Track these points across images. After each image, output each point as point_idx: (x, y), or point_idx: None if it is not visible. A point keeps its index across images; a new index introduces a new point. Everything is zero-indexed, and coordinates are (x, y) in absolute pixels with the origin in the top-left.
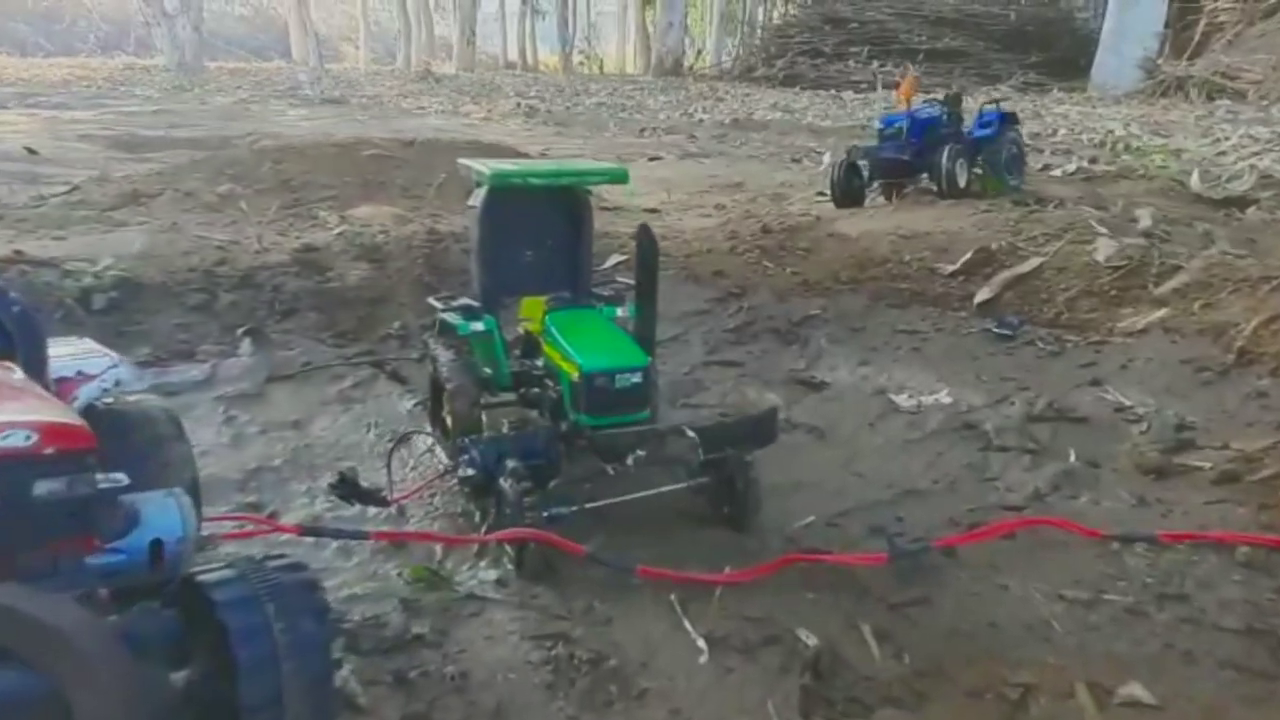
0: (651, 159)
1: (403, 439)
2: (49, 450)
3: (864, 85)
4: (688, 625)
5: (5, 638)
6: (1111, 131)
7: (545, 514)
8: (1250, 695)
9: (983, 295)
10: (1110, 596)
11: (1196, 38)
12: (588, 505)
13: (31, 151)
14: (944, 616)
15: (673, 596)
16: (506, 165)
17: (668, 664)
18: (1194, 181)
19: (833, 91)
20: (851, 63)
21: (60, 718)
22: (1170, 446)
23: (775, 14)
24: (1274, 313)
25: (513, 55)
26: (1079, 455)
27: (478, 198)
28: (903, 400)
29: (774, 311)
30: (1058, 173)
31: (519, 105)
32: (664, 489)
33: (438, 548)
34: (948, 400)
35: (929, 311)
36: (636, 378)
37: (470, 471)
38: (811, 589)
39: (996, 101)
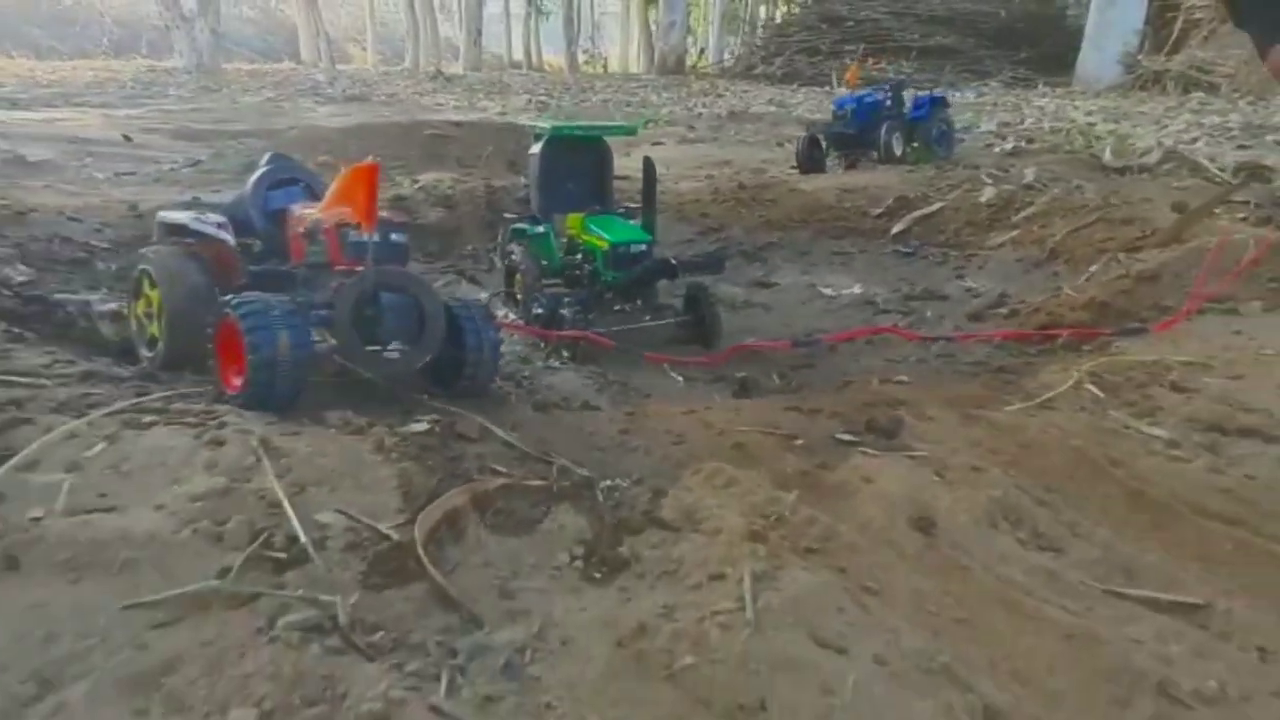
0: (654, 144)
1: (490, 299)
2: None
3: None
4: (674, 375)
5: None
6: (1074, 121)
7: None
8: (973, 390)
9: (897, 228)
10: (912, 360)
11: (1175, 34)
12: (613, 328)
13: (128, 139)
14: (820, 372)
15: (665, 367)
16: (558, 122)
17: (660, 387)
18: (1106, 155)
19: (827, 88)
20: (847, 60)
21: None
22: (989, 304)
23: (776, 13)
24: (1076, 225)
25: (518, 55)
26: (934, 312)
27: (537, 146)
28: (828, 291)
29: (743, 240)
30: (996, 150)
31: (530, 101)
32: (661, 321)
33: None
34: (859, 290)
35: (857, 240)
36: (643, 248)
37: (539, 311)
38: (745, 364)
39: (929, 88)
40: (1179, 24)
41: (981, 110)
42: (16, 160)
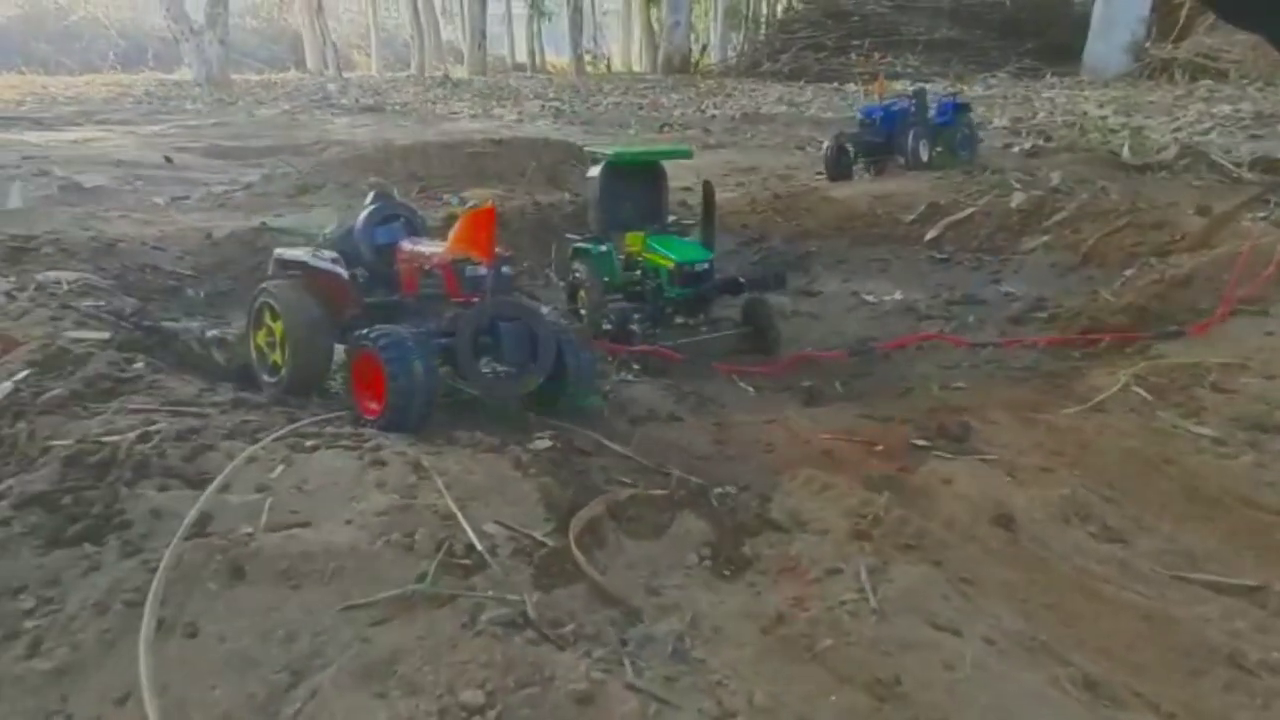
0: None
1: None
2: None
3: (865, 76)
4: (742, 385)
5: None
6: (1086, 113)
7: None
8: (1027, 394)
9: (931, 234)
10: (964, 366)
11: (1181, 21)
12: (679, 341)
13: (169, 160)
14: (879, 378)
15: (732, 377)
16: (617, 147)
17: (731, 397)
18: (1125, 152)
19: (835, 85)
20: (853, 55)
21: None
22: (1028, 309)
23: (779, 8)
24: (1107, 230)
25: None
26: (975, 317)
27: (596, 169)
28: (869, 298)
29: (784, 249)
30: (1016, 150)
31: (543, 107)
32: (722, 333)
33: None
34: (900, 296)
35: (893, 247)
36: (705, 265)
37: (608, 326)
38: (807, 372)
39: (954, 94)
40: (1185, 11)
41: (993, 104)
42: (73, 187)
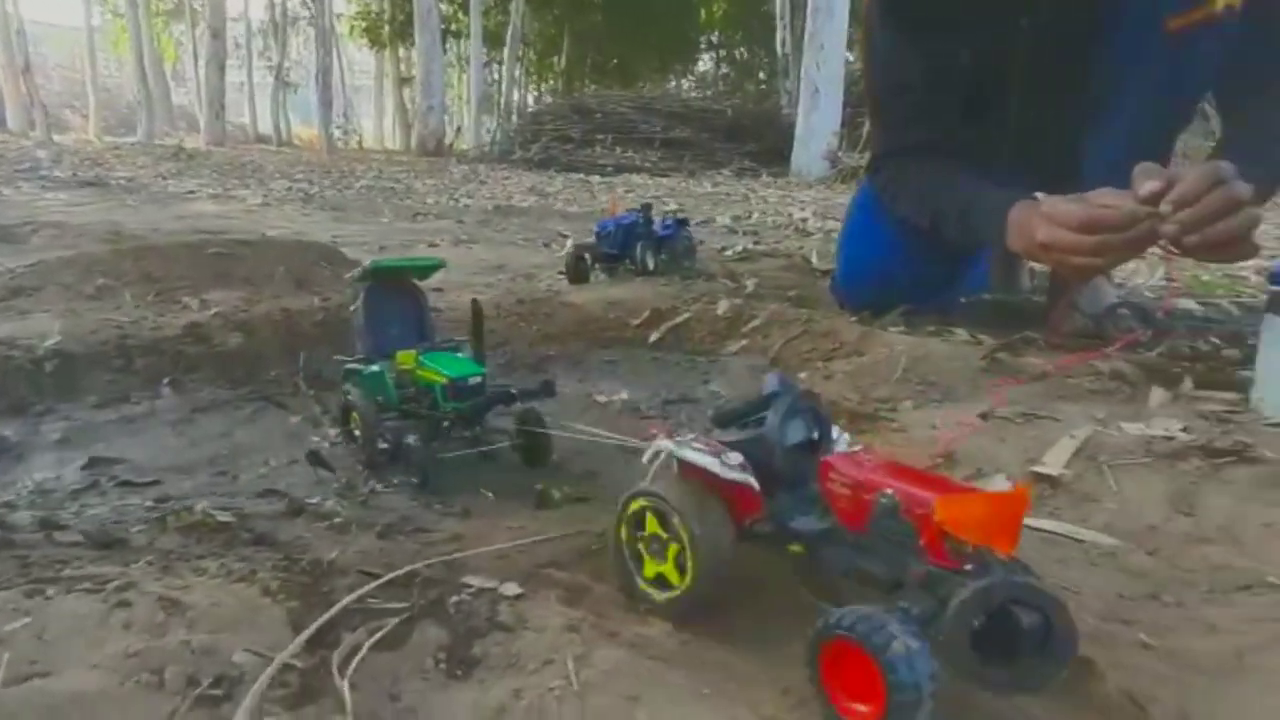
0: (431, 245)
1: (313, 454)
2: None
3: (610, 169)
4: (484, 492)
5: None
6: (791, 215)
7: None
8: None
9: (653, 336)
10: None
11: (864, 135)
12: (455, 453)
13: None
14: (610, 480)
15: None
16: (378, 260)
17: (475, 504)
18: (814, 259)
19: (582, 175)
20: (598, 149)
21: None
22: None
23: (530, 98)
24: (789, 337)
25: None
26: (686, 414)
27: (359, 296)
28: (600, 398)
29: (525, 354)
30: (729, 253)
31: (290, 188)
32: (498, 445)
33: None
34: (626, 396)
35: (623, 349)
36: (478, 379)
37: (384, 445)
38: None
39: (674, 212)
40: (866, 128)
41: (718, 201)
42: None
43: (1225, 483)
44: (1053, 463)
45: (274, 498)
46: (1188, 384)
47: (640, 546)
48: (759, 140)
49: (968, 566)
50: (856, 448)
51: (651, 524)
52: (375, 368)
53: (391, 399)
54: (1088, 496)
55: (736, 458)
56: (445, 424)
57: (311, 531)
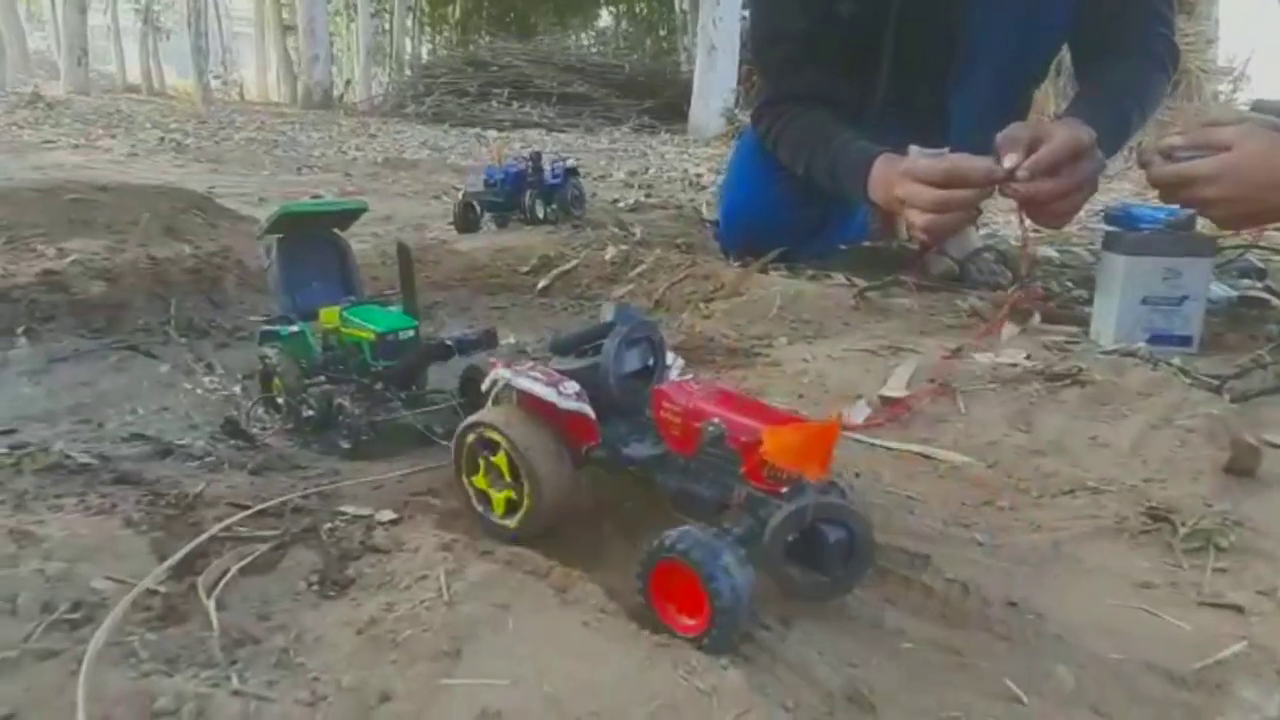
0: (314, 197)
1: (229, 422)
2: None
3: (507, 124)
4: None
5: (849, 519)
6: (687, 170)
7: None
8: None
9: (542, 283)
10: None
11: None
12: (390, 417)
13: None
14: None
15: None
16: (292, 205)
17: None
18: (703, 210)
19: (478, 130)
20: (494, 103)
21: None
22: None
23: (423, 50)
24: (675, 279)
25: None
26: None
27: (272, 248)
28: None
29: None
30: (621, 205)
31: (163, 139)
32: (438, 406)
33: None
34: (512, 340)
35: (510, 295)
36: (411, 333)
37: (311, 413)
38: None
39: (564, 159)
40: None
41: (615, 157)
42: None
43: (1059, 403)
44: (895, 386)
45: (141, 442)
46: (1036, 319)
47: (483, 484)
48: (657, 97)
49: (783, 490)
50: (688, 376)
51: (494, 458)
52: (296, 328)
53: (316, 360)
54: (939, 418)
55: (573, 386)
56: (379, 385)
57: (180, 470)
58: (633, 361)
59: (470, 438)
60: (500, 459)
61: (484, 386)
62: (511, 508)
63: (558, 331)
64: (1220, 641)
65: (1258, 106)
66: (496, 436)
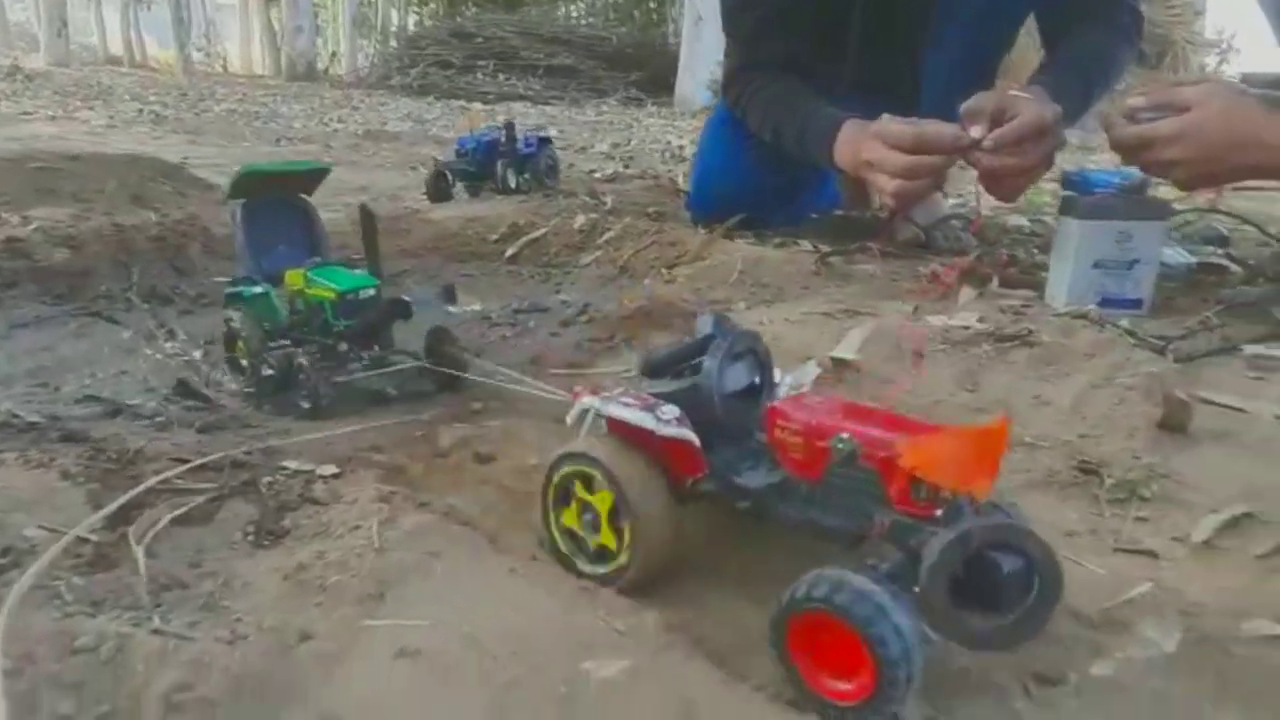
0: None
1: (181, 383)
2: None
3: (492, 96)
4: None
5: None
6: (669, 142)
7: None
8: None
9: (510, 251)
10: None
11: None
12: (351, 376)
13: None
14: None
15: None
16: (255, 166)
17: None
18: (680, 180)
19: (462, 103)
20: (480, 75)
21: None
22: (576, 314)
23: (409, 21)
24: (641, 246)
25: (115, 49)
26: (535, 323)
27: (236, 211)
28: (452, 309)
29: (382, 268)
30: (598, 175)
31: (142, 111)
32: (399, 366)
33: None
34: (478, 307)
35: (479, 263)
36: (372, 292)
37: (270, 372)
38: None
39: (539, 129)
40: None
41: (599, 129)
42: None
43: (1008, 363)
44: (846, 348)
45: (94, 403)
46: (994, 284)
47: (575, 527)
48: (645, 69)
49: (938, 513)
50: (802, 389)
51: (581, 490)
52: (259, 289)
53: (281, 322)
54: (888, 379)
55: (673, 410)
56: (342, 346)
57: (128, 429)
58: (738, 378)
59: (566, 469)
60: (602, 497)
61: (569, 418)
62: (603, 554)
63: (648, 351)
64: (1131, 584)
65: (1246, 79)
66: (596, 472)
